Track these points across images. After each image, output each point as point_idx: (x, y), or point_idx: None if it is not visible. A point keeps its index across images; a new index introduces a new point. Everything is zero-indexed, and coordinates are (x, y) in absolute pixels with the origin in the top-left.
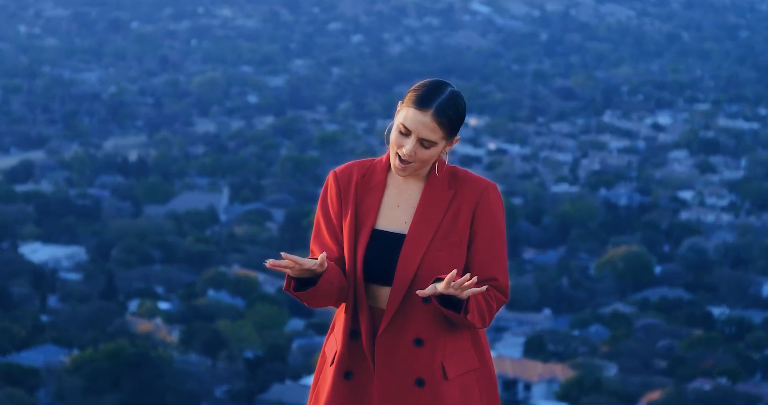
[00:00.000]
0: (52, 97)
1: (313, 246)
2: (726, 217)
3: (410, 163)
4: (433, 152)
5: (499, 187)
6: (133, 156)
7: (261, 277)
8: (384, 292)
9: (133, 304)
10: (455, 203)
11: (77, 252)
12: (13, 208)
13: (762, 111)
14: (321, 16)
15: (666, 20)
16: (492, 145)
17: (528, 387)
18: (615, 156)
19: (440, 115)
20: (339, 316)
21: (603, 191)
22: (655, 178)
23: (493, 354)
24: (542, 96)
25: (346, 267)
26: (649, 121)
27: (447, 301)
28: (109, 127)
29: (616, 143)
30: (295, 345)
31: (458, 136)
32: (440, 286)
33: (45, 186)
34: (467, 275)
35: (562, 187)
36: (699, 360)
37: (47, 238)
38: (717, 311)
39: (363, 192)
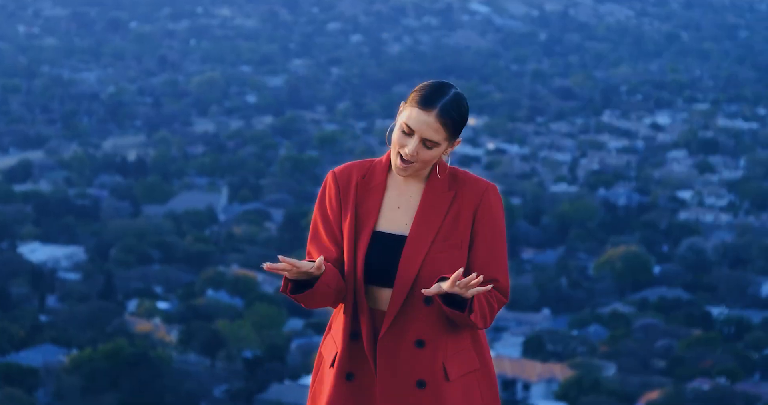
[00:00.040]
0: (51, 96)
1: (310, 247)
2: (725, 217)
3: (412, 163)
4: (435, 153)
5: (498, 187)
6: (132, 156)
7: (260, 276)
8: (384, 294)
9: (132, 304)
10: (456, 205)
11: (76, 252)
12: (11, 207)
13: (761, 111)
14: (320, 16)
15: (665, 20)
16: (491, 145)
17: (527, 387)
18: (614, 156)
19: (444, 116)
20: (337, 317)
21: (602, 191)
22: (654, 178)
23: (492, 354)
24: (541, 96)
25: (346, 268)
26: (648, 121)
27: (450, 301)
28: (108, 127)
29: (615, 143)
30: (294, 345)
31: (460, 139)
32: (445, 285)
33: (44, 186)
34: (474, 274)
35: (561, 187)
36: (698, 360)
37: (46, 238)
38: (716, 311)
39: (363, 193)
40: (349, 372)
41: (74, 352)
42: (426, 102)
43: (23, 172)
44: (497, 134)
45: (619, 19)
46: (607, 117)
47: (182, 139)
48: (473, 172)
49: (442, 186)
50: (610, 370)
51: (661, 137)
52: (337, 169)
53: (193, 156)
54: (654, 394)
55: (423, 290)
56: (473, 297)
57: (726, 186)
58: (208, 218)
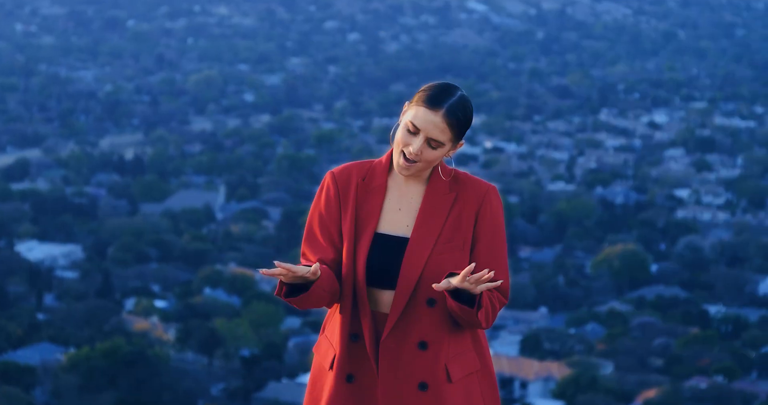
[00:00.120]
0: (48, 95)
1: (304, 247)
2: (722, 216)
3: (415, 162)
4: (438, 153)
5: (496, 186)
6: (129, 154)
7: (257, 275)
8: (385, 296)
9: (130, 303)
10: (457, 206)
11: (73, 250)
12: (9, 206)
13: (758, 109)
14: (317, 15)
15: (662, 18)
16: (488, 144)
17: (524, 385)
18: (611, 154)
19: (451, 117)
20: (333, 319)
21: (599, 189)
22: (651, 176)
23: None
24: (538, 94)
25: (345, 270)
26: (645, 119)
27: (457, 298)
28: (105, 126)
29: (612, 141)
30: (291, 343)
31: (463, 141)
32: (455, 280)
33: (41, 184)
34: (485, 270)
35: (559, 186)
36: (695, 358)
37: (43, 237)
38: (713, 309)
39: (363, 195)
40: (349, 373)
41: (72, 350)
42: (433, 101)
43: (20, 170)
44: (494, 132)
45: (616, 17)
46: (604, 115)
47: (179, 138)
48: (470, 170)
49: (443, 188)
50: (608, 368)
51: (659, 136)
52: (336, 169)
53: (190, 154)
54: (651, 393)
55: (434, 285)
56: (481, 293)
57: (723, 184)
58: (206, 217)
